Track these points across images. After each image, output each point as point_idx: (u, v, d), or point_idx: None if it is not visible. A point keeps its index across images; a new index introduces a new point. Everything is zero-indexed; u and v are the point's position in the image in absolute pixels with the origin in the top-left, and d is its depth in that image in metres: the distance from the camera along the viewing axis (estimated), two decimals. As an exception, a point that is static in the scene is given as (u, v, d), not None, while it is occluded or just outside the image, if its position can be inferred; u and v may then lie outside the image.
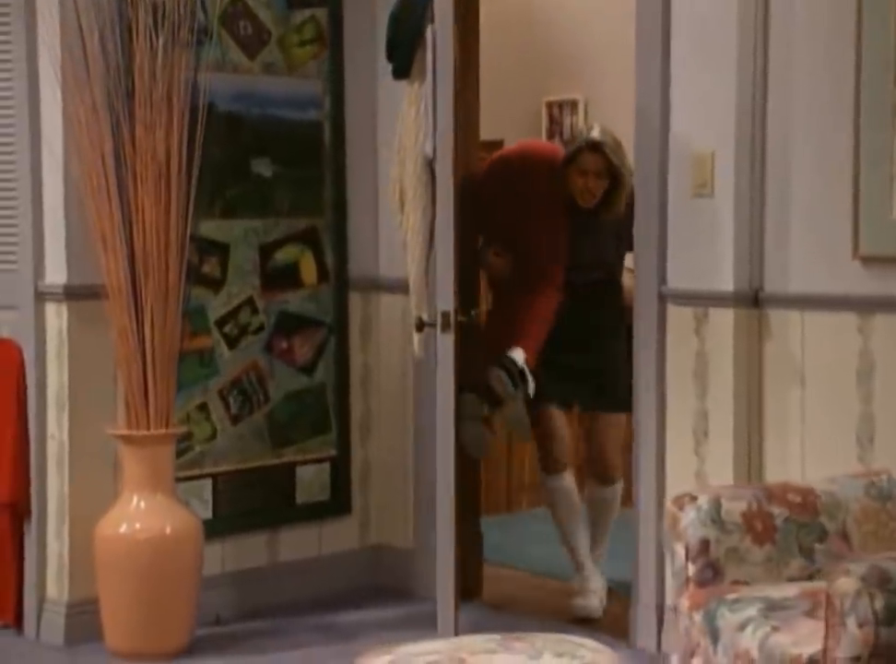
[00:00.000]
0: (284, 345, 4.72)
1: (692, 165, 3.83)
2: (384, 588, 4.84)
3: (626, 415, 4.37)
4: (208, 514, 4.46)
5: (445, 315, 3.80)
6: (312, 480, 4.81)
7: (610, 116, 6.37)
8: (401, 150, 4.11)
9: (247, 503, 4.64)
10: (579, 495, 4.59)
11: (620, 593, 4.46)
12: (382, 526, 4.97)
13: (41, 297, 4.25)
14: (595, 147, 4.33)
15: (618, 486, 4.60)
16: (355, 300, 4.90)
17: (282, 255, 4.70)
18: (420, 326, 3.99)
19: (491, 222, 4.61)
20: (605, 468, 4.55)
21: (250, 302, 4.62)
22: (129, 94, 4.05)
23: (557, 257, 4.47)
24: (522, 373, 4.27)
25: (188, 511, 4.19)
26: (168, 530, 4.08)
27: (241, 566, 4.59)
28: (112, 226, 4.04)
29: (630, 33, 6.28)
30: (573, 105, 6.65)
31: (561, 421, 4.56)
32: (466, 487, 4.80)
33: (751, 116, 3.74)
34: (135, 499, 4.09)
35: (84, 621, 4.19)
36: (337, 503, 4.89)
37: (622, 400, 4.32)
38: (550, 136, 6.72)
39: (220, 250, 4.54)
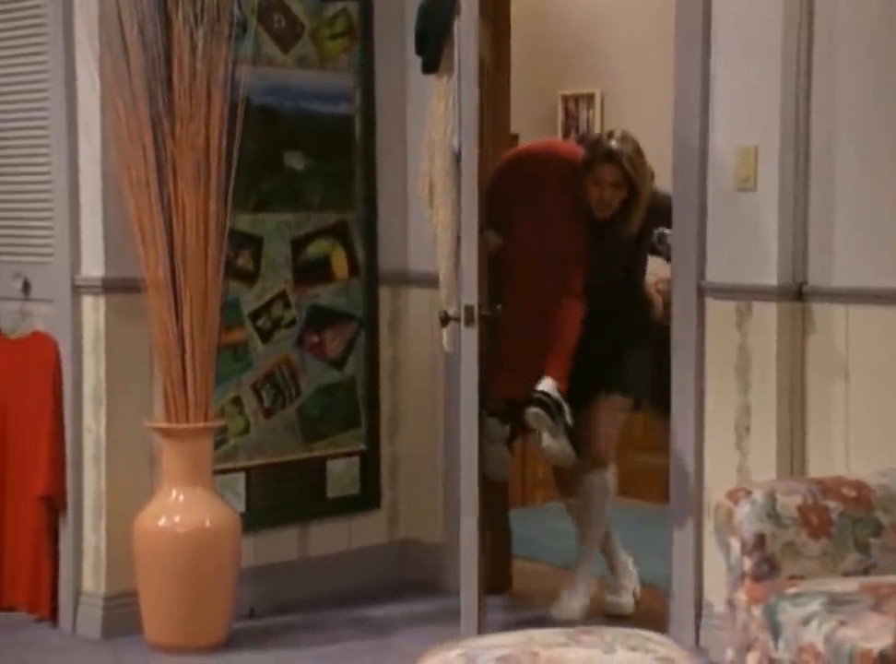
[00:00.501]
0: (315, 339, 4.71)
1: (735, 159, 3.81)
2: (413, 583, 4.83)
3: (625, 400, 4.38)
4: (241, 507, 4.44)
5: (469, 309, 3.78)
6: (342, 475, 4.80)
7: (627, 110, 6.40)
8: (430, 145, 4.10)
9: (279, 496, 4.63)
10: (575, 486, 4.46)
11: (652, 588, 4.46)
12: (410, 520, 4.96)
13: (77, 290, 4.23)
14: (611, 157, 4.19)
15: (607, 473, 4.44)
16: (385, 294, 4.90)
17: (313, 249, 4.69)
18: (445, 320, 3.97)
19: (504, 215, 4.35)
20: (593, 452, 4.36)
21: (282, 295, 4.61)
22: (169, 87, 4.02)
23: (576, 261, 4.32)
24: (558, 404, 4.10)
25: (226, 505, 4.19)
26: (207, 524, 4.07)
27: (273, 560, 4.58)
28: (152, 219, 4.03)
29: (648, 26, 6.33)
30: (590, 99, 6.65)
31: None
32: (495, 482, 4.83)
33: (795, 110, 3.73)
34: (174, 492, 4.08)
35: (121, 614, 4.18)
36: (367, 497, 4.88)
37: (620, 383, 4.31)
38: (566, 130, 6.71)
39: (254, 244, 4.52)
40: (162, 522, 4.06)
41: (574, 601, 4.35)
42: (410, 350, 4.93)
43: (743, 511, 3.01)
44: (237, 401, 4.49)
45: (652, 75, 6.29)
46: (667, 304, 4.21)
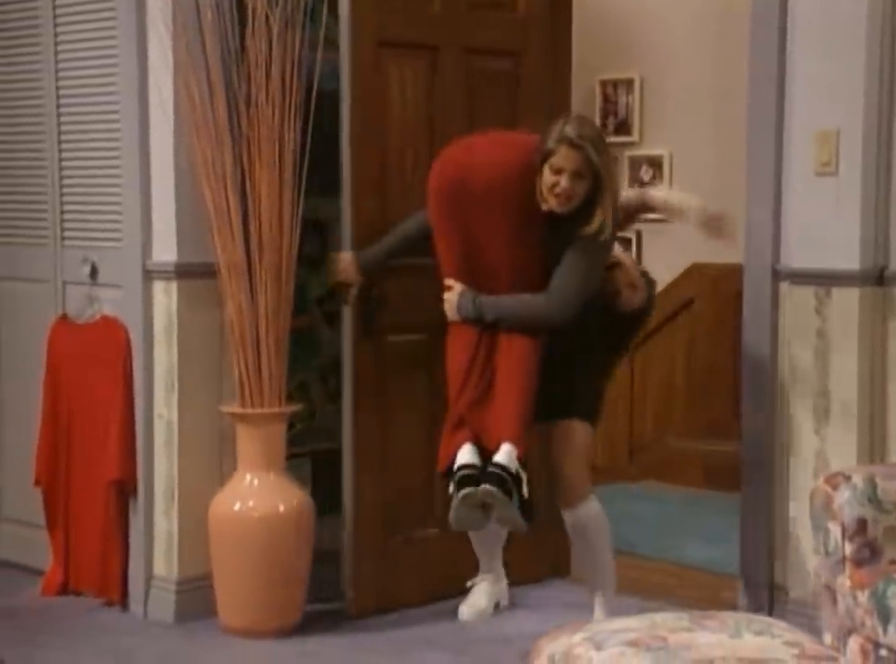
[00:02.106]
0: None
1: (815, 143, 3.77)
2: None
3: (586, 424, 3.86)
4: (307, 492, 4.41)
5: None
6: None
7: (666, 95, 6.36)
8: None
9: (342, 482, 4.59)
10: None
11: (696, 570, 4.43)
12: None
13: (148, 276, 4.20)
14: (570, 142, 3.58)
15: (588, 506, 3.84)
16: (443, 279, 4.85)
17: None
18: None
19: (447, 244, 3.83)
20: (563, 489, 3.85)
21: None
22: (244, 72, 3.98)
23: (528, 280, 3.72)
24: (516, 477, 3.54)
25: (299, 489, 4.16)
26: (281, 508, 4.05)
27: (337, 545, 4.54)
28: (228, 204, 4.00)
29: (688, 10, 6.29)
30: (629, 84, 6.59)
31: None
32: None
33: (879, 94, 3.69)
34: (248, 477, 4.06)
35: (193, 598, 4.16)
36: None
37: (578, 405, 3.85)
38: (605, 114, 6.66)
39: (319, 229, 4.48)
40: (237, 507, 4.03)
41: None
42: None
43: (843, 496, 2.98)
44: (303, 386, 4.48)
45: (691, 60, 6.27)
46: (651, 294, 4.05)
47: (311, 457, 4.52)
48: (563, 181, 3.60)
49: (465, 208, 3.72)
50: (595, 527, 3.85)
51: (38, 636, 4.01)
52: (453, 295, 3.74)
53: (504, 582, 4.27)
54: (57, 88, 4.43)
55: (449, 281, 3.77)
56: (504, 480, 3.52)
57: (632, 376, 6.39)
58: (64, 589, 4.40)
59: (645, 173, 6.46)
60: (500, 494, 3.50)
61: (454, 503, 3.56)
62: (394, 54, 4.21)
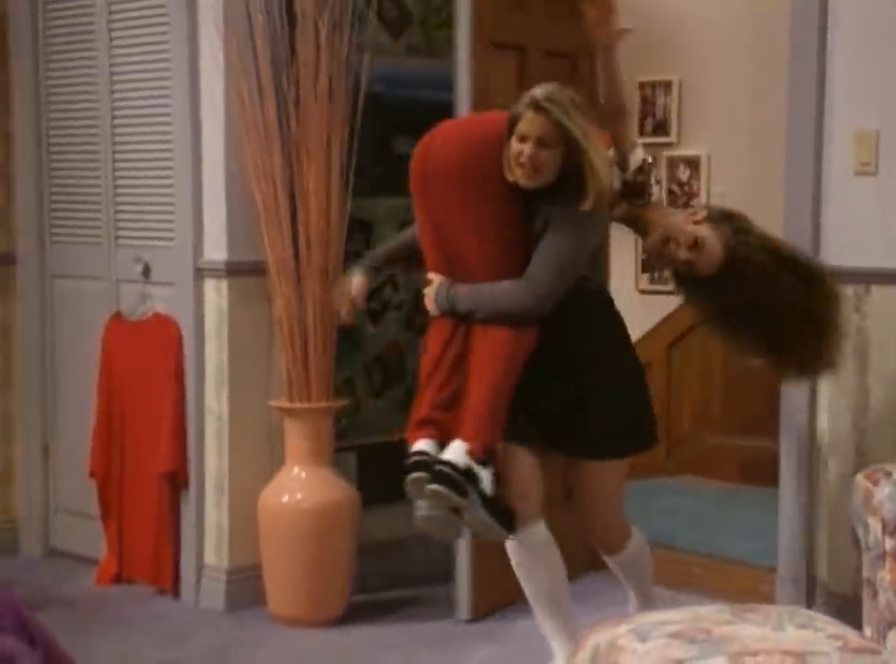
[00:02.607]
0: (423, 322, 4.67)
1: (855, 143, 3.73)
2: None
3: (617, 461, 3.36)
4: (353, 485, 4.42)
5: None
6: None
7: (704, 96, 6.32)
8: None
9: (387, 475, 4.59)
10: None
11: (735, 564, 4.40)
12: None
13: (200, 273, 4.22)
14: (536, 105, 3.09)
15: (628, 551, 3.46)
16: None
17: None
18: None
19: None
20: (598, 538, 3.47)
21: (392, 279, 4.59)
22: (293, 75, 3.99)
23: (505, 268, 3.20)
24: (469, 474, 3.12)
25: (346, 482, 4.17)
26: (328, 501, 4.06)
27: (382, 537, 4.56)
28: (277, 204, 4.01)
29: (727, 13, 6.25)
30: (667, 86, 6.56)
31: (530, 463, 3.32)
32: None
33: (919, 96, 3.64)
34: (296, 470, 4.07)
35: (243, 587, 4.19)
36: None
37: (607, 443, 3.30)
38: (643, 116, 6.63)
39: (365, 228, 4.50)
40: (285, 499, 4.05)
41: None
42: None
43: (883, 491, 2.95)
44: (349, 382, 4.49)
45: (730, 61, 6.23)
46: (736, 228, 3.23)
47: (356, 452, 4.53)
48: (527, 148, 3.08)
49: (428, 192, 3.26)
50: (639, 561, 3.51)
51: (93, 624, 4.04)
52: (431, 288, 3.30)
53: None
54: (111, 91, 4.46)
55: (430, 274, 3.33)
56: (453, 478, 3.08)
57: (669, 373, 6.36)
58: (117, 578, 4.44)
59: (683, 173, 6.43)
60: (448, 493, 3.07)
61: (410, 494, 3.18)
62: (497, 56, 4.16)
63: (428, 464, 3.12)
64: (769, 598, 3.98)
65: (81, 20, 4.56)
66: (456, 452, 3.12)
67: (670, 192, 6.37)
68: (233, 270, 4.15)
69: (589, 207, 3.10)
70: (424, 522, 3.18)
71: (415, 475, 3.12)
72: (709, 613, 2.45)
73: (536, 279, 3.16)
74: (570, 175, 3.12)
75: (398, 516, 4.58)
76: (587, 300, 3.28)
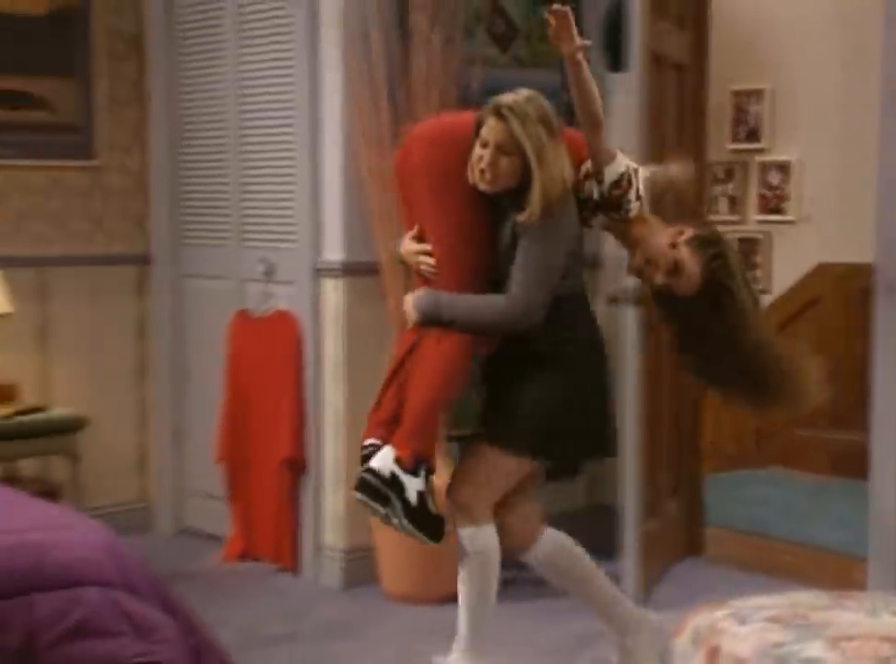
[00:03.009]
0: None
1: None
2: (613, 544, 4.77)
3: (500, 453, 3.17)
4: (461, 472, 4.43)
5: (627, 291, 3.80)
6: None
7: (797, 104, 6.21)
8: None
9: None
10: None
11: (831, 553, 4.33)
12: (608, 487, 4.89)
13: (318, 273, 4.26)
14: (497, 112, 2.96)
15: (472, 532, 3.22)
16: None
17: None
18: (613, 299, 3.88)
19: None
20: (451, 500, 3.25)
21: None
22: (406, 87, 4.02)
23: (453, 268, 3.08)
24: (393, 483, 3.02)
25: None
26: (439, 485, 4.04)
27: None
28: (390, 207, 4.02)
29: (820, 21, 6.12)
30: (760, 94, 6.45)
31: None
32: (692, 448, 4.77)
33: None
34: (407, 457, 4.08)
35: (359, 566, 4.22)
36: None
37: (500, 433, 3.17)
38: (735, 125, 6.53)
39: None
40: (397, 484, 4.06)
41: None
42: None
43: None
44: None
45: (821, 68, 6.11)
46: (714, 254, 3.09)
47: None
48: (486, 155, 2.95)
49: (405, 190, 3.17)
50: (560, 565, 3.29)
51: (219, 598, 4.11)
52: (413, 296, 3.11)
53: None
54: (239, 104, 4.52)
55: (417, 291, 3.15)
56: (373, 486, 3.01)
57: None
58: (243, 556, 4.51)
59: (774, 178, 6.33)
60: (366, 500, 3.03)
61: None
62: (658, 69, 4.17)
63: (372, 486, 3.03)
64: (860, 587, 3.89)
65: (212, 38, 4.64)
66: (383, 459, 3.02)
67: (762, 197, 6.29)
68: (349, 270, 4.19)
69: (523, 221, 2.97)
70: (381, 520, 3.13)
71: (358, 495, 3.07)
72: (806, 599, 2.42)
73: (516, 296, 3.01)
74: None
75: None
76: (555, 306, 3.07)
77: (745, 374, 3.09)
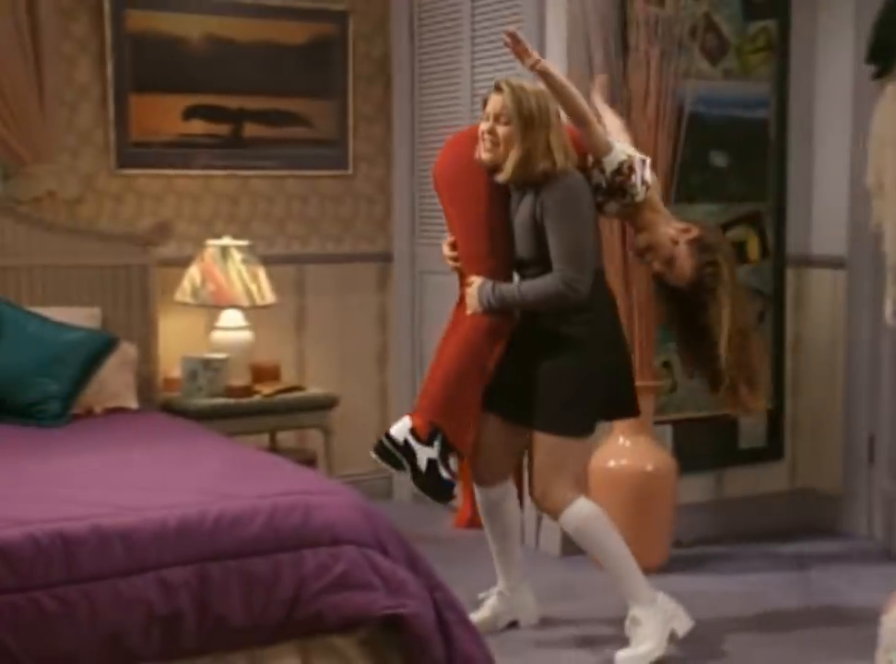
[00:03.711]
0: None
1: None
2: (812, 527, 4.59)
3: (555, 438, 3.19)
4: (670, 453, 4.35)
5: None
6: (752, 429, 4.64)
7: None
8: (875, 140, 3.80)
9: (699, 446, 4.52)
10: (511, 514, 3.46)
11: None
12: (809, 471, 4.72)
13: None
14: (496, 85, 3.09)
15: (567, 518, 3.27)
16: (790, 274, 4.67)
17: (732, 236, 4.53)
18: None
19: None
20: (534, 495, 3.33)
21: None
22: (625, 98, 3.96)
23: (475, 252, 3.16)
24: (406, 447, 3.11)
25: (665, 452, 4.11)
26: (649, 467, 4.02)
27: (694, 500, 4.47)
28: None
29: None
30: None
31: (491, 430, 3.30)
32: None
33: None
34: (621, 439, 4.06)
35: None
36: (772, 449, 4.70)
37: (544, 419, 3.19)
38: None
39: (684, 231, 4.39)
40: (611, 464, 4.03)
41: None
42: (811, 324, 4.69)
43: None
44: (666, 364, 4.40)
45: None
46: (710, 260, 3.17)
47: (672, 425, 4.45)
48: (486, 124, 3.07)
49: (440, 195, 3.25)
50: (586, 533, 3.30)
51: (452, 560, 4.14)
52: (473, 288, 3.15)
53: (524, 597, 3.52)
54: (472, 118, 4.55)
55: (470, 277, 3.21)
56: (387, 450, 3.12)
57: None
58: (471, 523, 4.51)
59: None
60: (380, 461, 3.15)
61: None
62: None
63: (387, 450, 3.14)
64: None
65: (448, 57, 4.68)
66: (400, 428, 3.12)
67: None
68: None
69: (501, 180, 3.05)
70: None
71: (373, 456, 3.18)
72: None
73: (561, 271, 3.06)
74: (549, 172, 3.04)
75: (706, 482, 4.53)
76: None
77: (710, 363, 3.19)
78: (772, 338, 4.64)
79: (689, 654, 3.34)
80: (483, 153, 3.07)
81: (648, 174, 3.16)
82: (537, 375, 3.15)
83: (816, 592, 3.84)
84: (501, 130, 3.04)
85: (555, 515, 3.27)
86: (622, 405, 3.30)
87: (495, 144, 3.05)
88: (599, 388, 3.18)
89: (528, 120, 3.02)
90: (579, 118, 3.06)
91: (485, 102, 3.11)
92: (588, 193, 3.13)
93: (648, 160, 3.17)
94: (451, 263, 3.26)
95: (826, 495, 4.63)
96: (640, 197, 3.15)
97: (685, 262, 3.18)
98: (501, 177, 3.05)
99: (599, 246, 3.22)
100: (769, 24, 4.51)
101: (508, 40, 2.99)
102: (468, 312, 3.16)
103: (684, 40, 4.12)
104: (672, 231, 3.19)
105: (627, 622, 3.27)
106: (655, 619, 3.20)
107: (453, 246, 3.24)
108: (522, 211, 3.11)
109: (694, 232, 3.20)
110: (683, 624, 3.26)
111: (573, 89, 3.06)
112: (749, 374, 3.20)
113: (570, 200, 3.05)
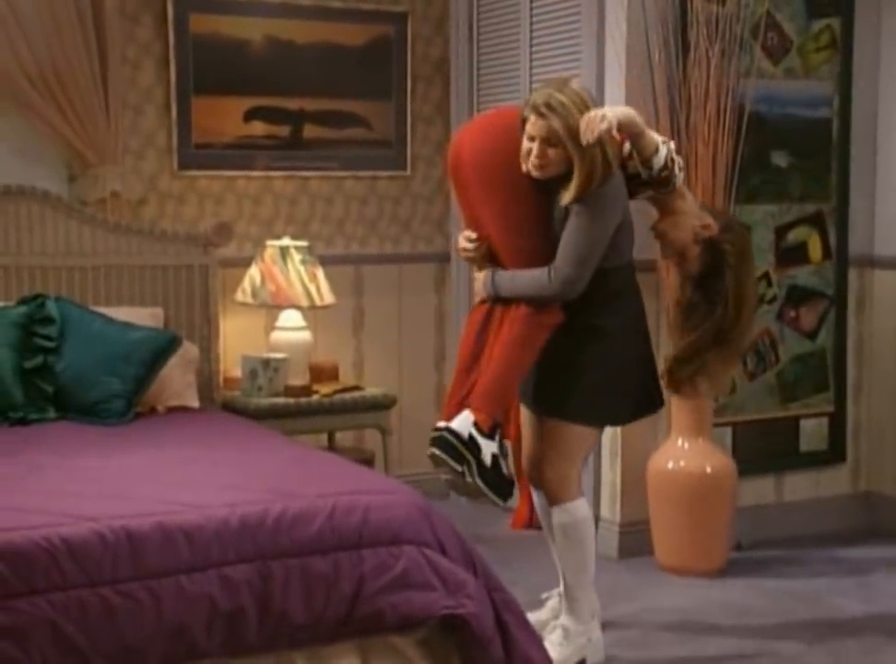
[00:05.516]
0: (792, 314, 4.51)
1: None
2: (876, 530, 4.52)
3: (568, 426, 3.17)
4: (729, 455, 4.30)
5: None
6: (813, 432, 4.58)
7: None
8: None
9: (759, 448, 4.47)
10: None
11: None
12: (872, 474, 4.65)
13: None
14: (536, 110, 2.99)
15: (567, 509, 3.23)
16: (853, 275, 4.60)
17: (793, 236, 4.49)
18: None
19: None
20: (537, 479, 3.27)
21: (765, 276, 4.44)
22: (685, 97, 3.92)
23: (521, 253, 3.08)
24: (470, 443, 2.99)
25: (724, 453, 4.07)
26: (708, 469, 3.97)
27: (753, 502, 4.42)
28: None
29: None
30: None
31: (525, 423, 3.28)
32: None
33: None
34: (680, 441, 4.02)
35: (633, 538, 4.17)
36: (834, 452, 4.63)
37: (552, 405, 3.17)
38: None
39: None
40: (670, 465, 4.00)
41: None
42: (874, 325, 4.62)
43: None
44: (726, 366, 4.35)
45: None
46: (719, 252, 3.19)
47: (731, 427, 4.40)
48: (535, 148, 2.98)
49: (460, 183, 3.14)
50: (570, 532, 3.26)
51: (509, 561, 4.15)
52: (481, 273, 3.14)
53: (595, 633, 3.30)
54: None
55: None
56: (452, 444, 2.96)
57: None
58: (528, 524, 4.49)
59: None
60: (444, 457, 2.97)
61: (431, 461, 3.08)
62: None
63: (449, 443, 3.00)
64: None
65: (506, 58, 4.67)
66: (462, 421, 3.00)
67: None
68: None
69: (566, 203, 2.99)
70: (447, 484, 3.11)
71: (432, 450, 3.02)
72: None
73: (560, 269, 3.01)
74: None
75: (767, 485, 4.47)
76: (596, 281, 3.06)
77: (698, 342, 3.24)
78: (833, 340, 4.57)
79: (748, 657, 3.31)
80: (535, 173, 3.02)
81: (678, 159, 3.13)
82: (566, 365, 3.13)
83: (878, 597, 3.77)
84: (552, 152, 2.98)
85: (555, 501, 3.24)
86: (649, 398, 3.26)
87: (544, 166, 3.00)
88: (628, 378, 3.17)
89: (580, 139, 2.95)
90: (637, 132, 3.05)
91: (524, 120, 3.02)
92: (623, 196, 3.08)
93: (673, 144, 3.13)
94: (468, 254, 3.17)
95: (889, 499, 4.56)
96: (679, 184, 3.15)
97: (694, 258, 3.23)
98: (567, 200, 2.99)
99: (630, 238, 3.17)
100: (832, 22, 4.44)
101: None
102: (476, 300, 3.18)
103: (745, 38, 4.07)
104: (696, 221, 3.20)
105: (551, 626, 3.28)
106: (578, 639, 3.22)
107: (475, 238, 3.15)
108: (558, 207, 3.08)
109: (714, 230, 3.20)
110: (596, 657, 3.25)
111: (635, 116, 3.03)
112: (714, 372, 3.30)
113: (601, 210, 3.01)
